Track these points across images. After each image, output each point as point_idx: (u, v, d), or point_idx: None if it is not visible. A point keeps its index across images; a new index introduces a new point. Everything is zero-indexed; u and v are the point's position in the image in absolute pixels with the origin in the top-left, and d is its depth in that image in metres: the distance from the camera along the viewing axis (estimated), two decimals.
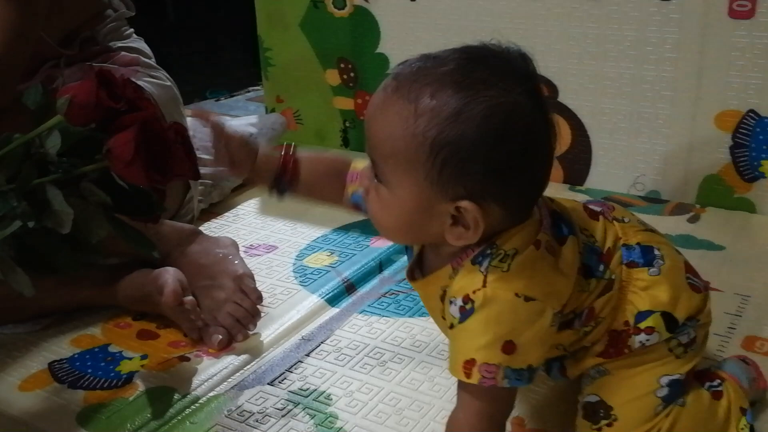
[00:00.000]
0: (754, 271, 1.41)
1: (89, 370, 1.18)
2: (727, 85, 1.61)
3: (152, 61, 1.56)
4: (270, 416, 1.06)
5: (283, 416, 1.06)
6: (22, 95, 0.96)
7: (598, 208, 0.96)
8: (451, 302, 0.82)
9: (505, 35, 1.78)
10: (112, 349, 1.24)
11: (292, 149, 0.98)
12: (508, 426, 1.00)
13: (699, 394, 0.93)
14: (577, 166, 1.82)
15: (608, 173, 1.79)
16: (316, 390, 1.11)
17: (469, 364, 0.79)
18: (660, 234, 0.98)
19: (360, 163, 0.97)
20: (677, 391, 0.91)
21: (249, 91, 3.16)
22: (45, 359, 1.21)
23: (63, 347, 1.24)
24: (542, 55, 1.75)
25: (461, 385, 0.83)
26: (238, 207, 1.79)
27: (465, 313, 0.80)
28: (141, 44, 1.58)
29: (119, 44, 1.52)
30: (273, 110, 2.26)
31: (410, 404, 1.07)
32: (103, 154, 0.90)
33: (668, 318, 0.89)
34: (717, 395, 0.94)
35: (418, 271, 0.91)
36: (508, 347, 0.79)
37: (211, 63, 3.34)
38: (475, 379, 0.79)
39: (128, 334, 1.27)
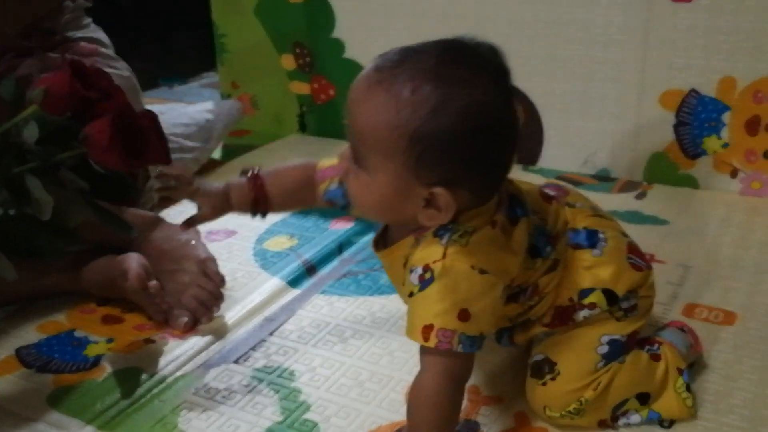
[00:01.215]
0: (695, 243, 1.47)
1: (56, 355, 1.21)
2: (671, 66, 1.67)
3: (111, 51, 1.57)
4: (236, 392, 1.10)
5: (248, 392, 1.10)
6: None
7: (552, 193, 1.03)
8: (411, 271, 0.88)
9: (458, 18, 1.84)
10: (78, 333, 1.26)
11: (257, 176, 1.04)
12: (466, 394, 1.05)
13: (638, 354, 1.00)
14: (530, 147, 1.87)
15: (560, 153, 1.85)
16: (279, 367, 1.15)
17: (428, 328, 0.86)
18: (609, 218, 1.05)
19: (327, 162, 1.03)
20: (617, 350, 0.98)
21: (203, 78, 3.16)
22: (12, 345, 1.23)
23: (29, 333, 1.27)
24: (494, 38, 1.80)
25: (423, 350, 0.88)
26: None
27: (425, 282, 0.86)
28: (100, 34, 1.59)
29: (78, 34, 1.54)
30: (229, 96, 2.28)
31: (371, 377, 1.12)
32: (79, 141, 0.93)
33: (609, 294, 0.97)
34: (655, 357, 1.01)
35: (382, 242, 0.97)
36: (464, 315, 0.85)
37: (163, 50, 3.33)
38: (432, 343, 0.85)
39: (93, 319, 1.30)
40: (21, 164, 0.93)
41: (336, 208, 1.06)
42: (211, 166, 1.95)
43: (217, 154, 2.03)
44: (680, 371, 1.01)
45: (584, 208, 1.03)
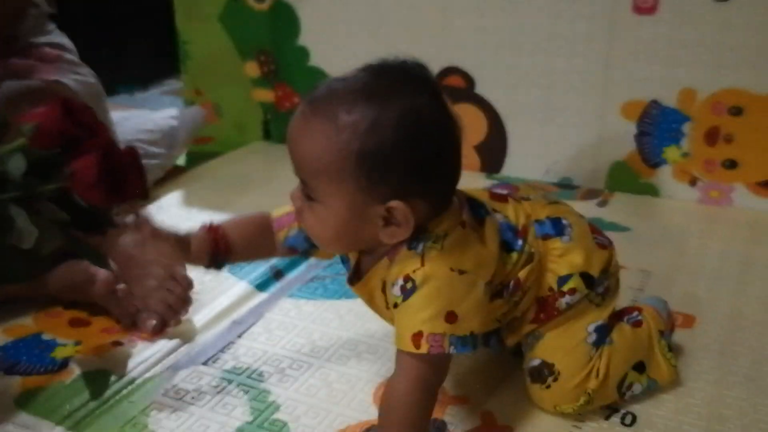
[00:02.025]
0: (656, 250, 1.51)
1: (24, 357, 1.20)
2: (632, 77, 1.71)
3: (75, 57, 1.57)
4: (205, 393, 1.10)
5: (218, 393, 1.10)
6: None
7: (504, 191, 1.07)
8: (392, 285, 0.90)
9: (422, 27, 1.86)
10: (45, 336, 1.26)
11: (216, 228, 1.05)
12: None
13: (621, 328, 1.05)
14: (494, 155, 1.90)
15: (523, 161, 1.88)
16: (248, 368, 1.16)
17: (417, 336, 0.87)
18: (562, 203, 1.09)
19: (280, 210, 1.05)
20: (603, 334, 1.02)
21: (163, 85, 3.15)
22: None
23: None
24: (459, 48, 1.85)
25: (399, 354, 0.90)
26: (162, 199, 1.81)
27: (407, 292, 0.88)
28: (64, 39, 1.59)
29: (42, 39, 1.54)
30: (192, 103, 2.27)
31: (339, 378, 1.13)
32: (66, 176, 0.95)
33: (586, 277, 1.01)
34: (637, 324, 1.07)
35: (356, 277, 0.99)
36: (451, 317, 0.87)
37: (120, 57, 3.31)
38: (424, 349, 0.87)
39: (60, 322, 1.30)
40: (2, 193, 0.93)
41: (297, 255, 1.10)
42: (175, 172, 1.95)
43: (181, 161, 2.03)
44: (661, 333, 1.07)
45: (538, 199, 1.07)
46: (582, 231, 1.03)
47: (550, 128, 1.83)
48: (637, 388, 1.05)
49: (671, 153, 1.72)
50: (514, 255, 0.97)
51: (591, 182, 1.82)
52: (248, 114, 2.20)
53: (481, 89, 1.87)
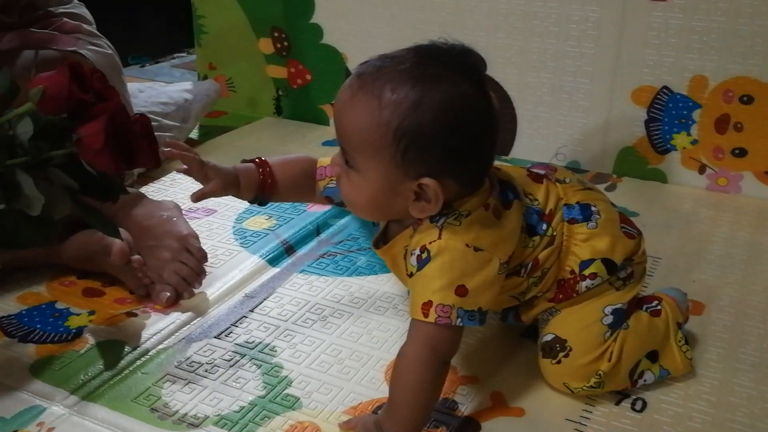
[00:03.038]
0: (664, 236, 1.52)
1: (38, 326, 1.22)
2: (643, 63, 1.71)
3: (93, 28, 1.57)
4: (218, 366, 1.12)
5: (231, 366, 1.12)
6: None
7: (542, 172, 1.09)
8: (411, 254, 0.94)
9: (435, 8, 1.86)
10: (59, 305, 1.27)
11: (265, 162, 1.09)
12: None
13: (638, 315, 1.07)
14: (503, 137, 1.90)
15: (532, 144, 1.88)
16: (261, 342, 1.17)
17: (427, 305, 0.91)
18: (598, 190, 1.10)
19: (325, 161, 1.09)
20: (620, 318, 1.04)
21: (174, 58, 3.15)
22: None
23: (9, 304, 1.27)
24: (471, 30, 1.85)
25: (412, 323, 0.93)
26: (175, 172, 1.82)
27: (422, 262, 0.92)
28: (82, 10, 1.59)
29: (61, 9, 1.54)
30: (205, 77, 2.28)
31: (350, 354, 1.14)
32: (73, 142, 0.95)
33: (608, 263, 1.02)
34: (656, 313, 1.08)
35: (382, 241, 1.03)
36: (461, 290, 0.90)
37: (131, 29, 3.31)
38: (432, 318, 0.90)
39: (74, 292, 1.31)
40: (12, 158, 0.94)
41: (333, 204, 1.13)
42: (189, 145, 1.95)
43: (194, 134, 2.04)
44: (679, 325, 1.09)
45: (573, 183, 1.08)
46: (610, 218, 1.05)
47: (559, 112, 1.83)
48: (649, 377, 1.06)
49: (680, 140, 1.73)
50: (537, 238, 1.00)
51: (599, 167, 1.83)
52: (261, 89, 2.21)
53: (491, 71, 1.85)
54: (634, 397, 1.06)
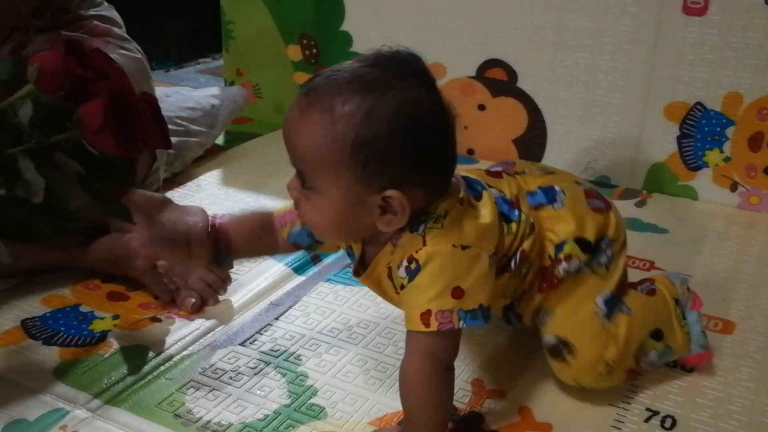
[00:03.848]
0: (695, 254, 1.49)
1: (62, 329, 1.21)
2: (677, 78, 1.69)
3: (123, 32, 1.57)
4: (243, 374, 1.11)
5: (255, 374, 1.11)
6: None
7: (499, 168, 1.08)
8: (398, 267, 0.91)
9: (465, 18, 1.85)
10: (83, 308, 1.27)
11: (217, 224, 1.06)
12: (469, 387, 1.07)
13: (635, 295, 1.07)
14: (532, 150, 1.89)
15: (561, 157, 1.86)
16: (286, 351, 1.16)
17: (426, 315, 0.89)
18: (561, 172, 1.10)
19: (281, 209, 1.07)
20: (613, 305, 1.03)
21: (199, 63, 3.16)
22: (17, 317, 1.24)
23: (34, 306, 1.27)
24: (503, 42, 1.84)
25: (409, 335, 0.92)
26: (200, 177, 1.82)
27: (412, 272, 0.89)
28: (113, 13, 1.59)
29: (92, 12, 1.54)
30: (232, 83, 2.28)
31: (376, 365, 1.13)
32: (73, 122, 0.92)
33: (582, 242, 1.02)
34: (651, 292, 1.09)
35: (361, 268, 1.00)
36: (457, 293, 0.89)
37: (156, 33, 3.32)
38: (434, 327, 0.88)
39: (98, 295, 1.30)
40: (15, 145, 0.92)
41: (302, 249, 1.10)
42: (214, 151, 1.96)
43: (219, 140, 2.04)
44: (676, 301, 1.09)
45: (534, 172, 1.07)
46: (574, 196, 1.04)
47: (590, 126, 1.81)
48: (652, 355, 1.05)
49: (713, 157, 1.71)
50: (513, 225, 0.98)
51: (629, 182, 1.80)
52: (288, 96, 2.15)
53: (523, 83, 1.86)
54: (664, 414, 1.04)
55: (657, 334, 1.06)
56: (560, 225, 1.01)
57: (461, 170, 1.01)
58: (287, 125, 0.88)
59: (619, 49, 1.73)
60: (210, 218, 1.07)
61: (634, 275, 1.35)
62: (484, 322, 0.91)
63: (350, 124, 0.83)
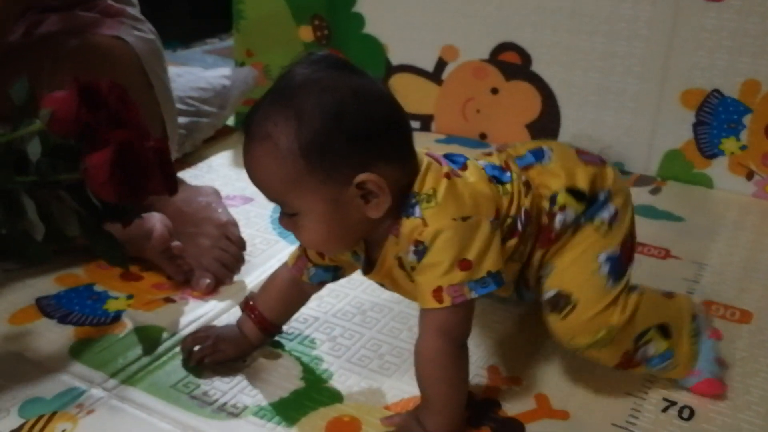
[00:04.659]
0: (710, 242, 1.48)
1: (76, 308, 1.21)
2: (695, 65, 1.68)
3: (137, 11, 1.55)
4: (258, 356, 1.10)
5: (270, 357, 1.10)
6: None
7: (491, 149, 1.08)
8: (407, 254, 0.92)
9: (481, 4, 1.83)
10: (97, 288, 1.26)
11: (252, 307, 1.10)
12: (485, 374, 1.07)
13: (650, 291, 1.04)
14: (545, 135, 1.87)
15: (574, 143, 1.80)
16: (300, 334, 1.15)
17: (437, 291, 0.89)
18: (548, 141, 1.09)
19: (291, 258, 1.10)
20: (617, 266, 1.00)
21: (206, 43, 3.15)
22: (31, 295, 1.23)
23: (47, 284, 1.27)
24: (517, 25, 1.83)
25: (422, 314, 0.92)
26: (211, 158, 1.81)
27: (419, 254, 0.90)
28: None
29: None
30: (242, 64, 2.26)
31: (391, 350, 1.13)
32: (80, 171, 0.91)
33: (574, 192, 1.00)
34: (669, 296, 1.07)
35: (369, 266, 1.00)
36: (464, 264, 0.89)
37: (163, 14, 3.30)
38: (447, 302, 0.89)
39: (111, 275, 1.30)
40: (20, 173, 0.91)
41: (330, 281, 1.11)
42: (225, 132, 1.95)
43: (230, 121, 2.03)
44: (693, 317, 1.06)
45: (525, 144, 1.07)
46: (563, 152, 1.05)
47: (605, 112, 1.80)
48: (650, 349, 1.01)
49: (729, 144, 1.69)
50: (507, 186, 0.98)
51: (643, 169, 1.79)
52: None
53: (537, 67, 1.84)
54: (682, 404, 1.03)
55: (665, 330, 1.02)
56: (550, 178, 1.00)
57: (475, 155, 1.02)
58: (246, 169, 0.92)
59: (636, 34, 1.71)
60: (243, 301, 1.12)
61: (650, 264, 1.37)
62: (497, 287, 0.91)
63: (289, 137, 0.86)
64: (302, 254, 1.07)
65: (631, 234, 1.05)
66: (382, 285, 1.03)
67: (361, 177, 0.87)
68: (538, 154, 1.03)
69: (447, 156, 0.98)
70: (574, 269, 1.00)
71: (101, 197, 0.92)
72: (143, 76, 1.44)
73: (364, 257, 1.00)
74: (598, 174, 1.03)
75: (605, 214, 1.02)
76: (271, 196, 0.92)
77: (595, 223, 1.01)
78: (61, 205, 0.93)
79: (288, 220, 0.93)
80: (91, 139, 0.91)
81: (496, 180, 0.98)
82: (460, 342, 0.92)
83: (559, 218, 1.00)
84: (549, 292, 1.01)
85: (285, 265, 1.11)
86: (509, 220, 0.97)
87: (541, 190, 1.00)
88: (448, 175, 0.93)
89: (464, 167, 0.97)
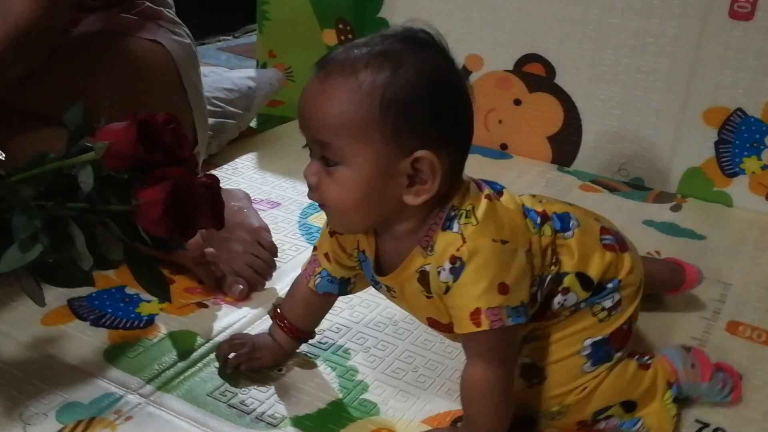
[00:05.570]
0: (734, 261, 1.49)
1: (109, 310, 1.21)
2: (719, 83, 1.69)
3: (173, 12, 1.55)
4: (293, 366, 1.11)
5: (305, 367, 1.11)
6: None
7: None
8: (439, 272, 0.88)
9: (506, 12, 1.84)
10: (129, 290, 1.27)
11: (281, 316, 1.10)
12: None
13: (627, 363, 1.01)
14: (567, 148, 1.89)
15: (595, 157, 1.86)
16: (334, 344, 1.16)
17: (476, 314, 0.87)
18: (577, 207, 1.05)
19: (304, 265, 1.11)
20: (600, 350, 0.98)
21: (219, 41, 3.14)
22: (63, 296, 1.23)
23: None
24: (543, 37, 1.84)
25: (468, 341, 0.91)
26: (236, 160, 1.82)
27: (456, 271, 0.87)
28: None
29: None
30: (264, 64, 2.27)
31: (425, 362, 1.13)
32: (132, 207, 0.90)
33: (582, 277, 0.97)
34: (644, 366, 1.02)
35: (377, 272, 0.98)
36: (503, 288, 0.87)
37: (176, 10, 3.31)
38: (485, 325, 0.86)
39: None
40: (69, 197, 0.90)
41: (335, 295, 1.09)
42: (248, 134, 1.95)
43: (252, 123, 2.03)
44: (669, 384, 1.02)
45: (551, 200, 1.04)
46: (587, 228, 1.00)
47: (627, 126, 1.81)
48: (614, 420, 1.00)
49: (750, 164, 1.71)
50: (530, 222, 0.95)
51: (663, 185, 1.80)
52: None
53: (560, 80, 1.85)
54: (714, 426, 1.04)
55: (628, 405, 1.00)
56: (565, 255, 0.97)
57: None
58: (306, 100, 0.87)
59: (662, 50, 1.72)
60: (271, 308, 1.12)
61: None
62: (525, 320, 0.89)
63: (376, 82, 0.83)
64: (314, 258, 1.06)
65: (629, 321, 1.01)
66: (388, 293, 1.00)
67: (423, 153, 0.84)
68: (564, 223, 0.99)
69: (485, 181, 0.96)
70: (556, 347, 0.99)
71: (152, 233, 0.91)
72: (178, 81, 1.45)
73: (374, 261, 0.97)
74: (613, 262, 0.99)
75: (608, 303, 0.99)
76: (320, 134, 0.86)
77: (594, 309, 0.98)
78: (106, 232, 0.93)
79: (322, 169, 0.87)
80: (145, 174, 0.90)
81: (533, 222, 0.96)
82: (509, 369, 0.91)
83: (558, 299, 0.96)
84: (525, 359, 0.99)
85: (302, 281, 1.10)
86: (537, 256, 0.94)
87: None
88: (489, 197, 0.91)
89: (501, 194, 0.95)
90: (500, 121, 1.94)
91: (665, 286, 1.27)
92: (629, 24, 1.74)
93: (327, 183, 0.88)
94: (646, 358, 1.03)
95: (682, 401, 1.04)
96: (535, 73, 1.88)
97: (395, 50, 0.85)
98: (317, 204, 0.92)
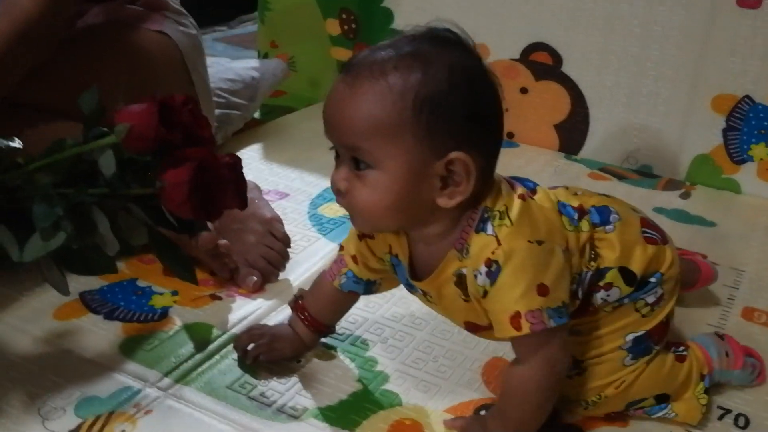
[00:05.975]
0: (745, 248, 1.49)
1: (122, 303, 1.20)
2: (727, 70, 1.68)
3: (178, 4, 1.54)
4: (312, 357, 1.10)
5: (324, 358, 1.10)
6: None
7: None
8: (476, 276, 0.87)
9: (514, 3, 1.83)
10: (141, 283, 1.25)
11: (303, 308, 1.09)
12: None
13: (665, 357, 1.00)
14: (574, 136, 1.88)
15: (603, 145, 1.86)
16: (351, 335, 1.15)
17: (516, 317, 0.84)
18: (615, 199, 1.02)
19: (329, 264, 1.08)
20: (641, 345, 0.97)
21: (215, 31, 3.12)
22: (74, 289, 1.21)
23: (90, 278, 1.25)
24: (549, 25, 1.83)
25: (514, 344, 0.89)
26: (242, 151, 1.80)
27: (493, 275, 0.85)
28: None
29: None
30: (266, 55, 2.25)
31: (444, 353, 1.12)
32: (156, 190, 0.89)
33: (624, 272, 0.94)
34: (680, 359, 1.01)
35: (413, 276, 0.96)
36: (542, 290, 0.85)
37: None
38: (526, 329, 0.84)
39: (154, 270, 1.29)
40: (90, 183, 0.89)
41: (360, 294, 1.08)
42: (252, 124, 1.94)
43: (255, 113, 2.01)
44: (702, 377, 1.02)
45: (587, 193, 1.01)
46: (628, 222, 0.97)
47: (635, 115, 1.80)
48: (646, 409, 1.00)
49: (758, 151, 1.70)
50: (566, 219, 0.92)
51: (671, 173, 1.80)
52: (323, 71, 2.17)
53: (567, 68, 1.85)
54: (737, 413, 1.04)
55: (662, 397, 1.00)
56: (607, 249, 0.94)
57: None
58: (334, 102, 0.85)
59: (670, 39, 1.72)
60: (292, 300, 1.11)
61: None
62: (567, 320, 0.87)
63: (408, 84, 0.81)
64: (341, 258, 1.05)
65: (668, 315, 0.99)
66: (424, 298, 0.98)
67: (457, 154, 0.82)
68: (603, 217, 0.95)
69: (516, 178, 0.94)
70: (598, 342, 0.97)
71: (177, 215, 0.90)
72: (185, 73, 1.44)
73: (408, 266, 0.95)
74: (655, 256, 0.96)
75: (651, 298, 0.96)
76: (350, 138, 0.84)
77: (637, 305, 0.96)
78: (129, 216, 0.92)
79: (351, 173, 0.85)
80: (167, 156, 0.89)
81: (560, 210, 0.93)
82: (559, 370, 0.89)
83: (601, 294, 0.94)
84: None
85: (323, 272, 1.09)
86: (577, 252, 0.92)
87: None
88: (522, 197, 0.89)
89: (534, 192, 0.93)
90: (506, 110, 1.90)
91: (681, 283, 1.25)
92: (637, 12, 1.73)
93: (358, 187, 0.86)
94: (682, 348, 1.02)
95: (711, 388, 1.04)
96: (541, 62, 1.87)
97: (423, 51, 0.83)
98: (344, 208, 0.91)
